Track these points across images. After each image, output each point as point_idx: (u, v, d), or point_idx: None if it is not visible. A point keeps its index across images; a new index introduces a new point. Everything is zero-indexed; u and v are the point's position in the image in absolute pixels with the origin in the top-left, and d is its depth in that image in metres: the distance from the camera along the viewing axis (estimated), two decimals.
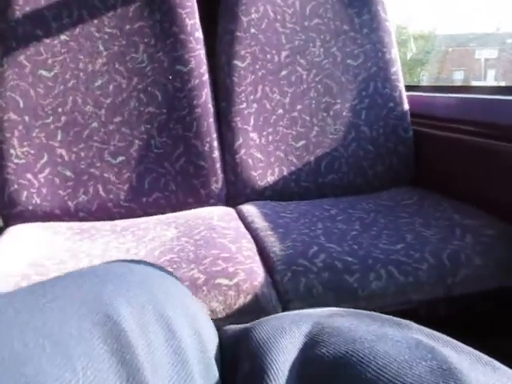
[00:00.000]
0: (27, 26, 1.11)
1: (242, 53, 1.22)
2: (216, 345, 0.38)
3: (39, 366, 0.26)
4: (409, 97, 1.32)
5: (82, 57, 1.13)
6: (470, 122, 1.13)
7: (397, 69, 1.30)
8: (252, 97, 1.22)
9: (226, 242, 0.90)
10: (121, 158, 1.14)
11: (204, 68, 1.18)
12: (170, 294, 0.36)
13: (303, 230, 0.96)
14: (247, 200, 1.20)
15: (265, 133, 1.23)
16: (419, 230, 0.95)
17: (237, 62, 1.21)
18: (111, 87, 1.14)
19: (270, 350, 0.33)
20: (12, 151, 1.09)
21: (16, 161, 1.09)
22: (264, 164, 1.23)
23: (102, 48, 1.14)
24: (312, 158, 1.25)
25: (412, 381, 0.26)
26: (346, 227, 0.98)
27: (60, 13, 1.12)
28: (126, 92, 1.15)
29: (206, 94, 1.17)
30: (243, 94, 1.21)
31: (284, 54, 1.25)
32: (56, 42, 1.12)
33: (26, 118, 1.10)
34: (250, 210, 1.11)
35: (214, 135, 1.18)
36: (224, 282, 0.76)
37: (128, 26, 1.15)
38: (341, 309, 0.41)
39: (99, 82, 1.14)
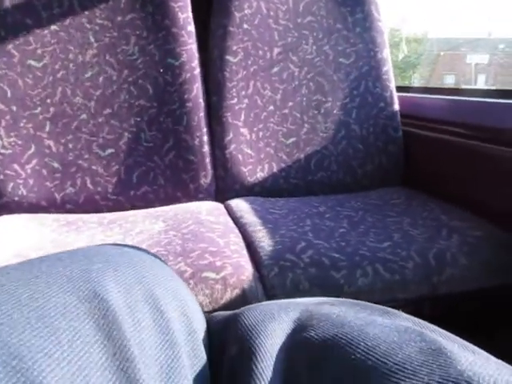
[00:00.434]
0: (17, 15, 1.09)
1: (234, 48, 1.21)
2: (204, 328, 0.38)
3: (23, 336, 0.25)
4: (399, 97, 1.32)
5: (72, 48, 1.12)
6: (459, 123, 1.14)
7: (388, 68, 1.30)
8: (243, 92, 1.22)
9: (214, 236, 0.90)
10: (110, 151, 1.13)
11: (196, 62, 1.17)
12: (160, 276, 0.36)
13: (291, 226, 0.96)
14: (236, 195, 1.20)
15: (255, 129, 1.23)
16: (406, 229, 0.95)
17: (229, 57, 1.21)
18: (101, 79, 1.13)
19: (259, 333, 0.33)
20: None
21: (2, 151, 1.08)
22: (254, 160, 1.23)
23: (92, 39, 1.13)
24: (302, 156, 1.25)
25: (401, 360, 0.26)
26: (334, 224, 0.99)
27: (50, 2, 1.11)
28: (116, 84, 1.14)
29: (197, 89, 1.17)
30: (234, 90, 1.21)
31: (276, 50, 1.25)
32: (46, 32, 1.11)
33: (14, 108, 1.09)
34: (238, 205, 1.11)
35: (205, 130, 1.17)
36: (211, 275, 0.76)
37: (119, 18, 1.14)
38: (330, 298, 0.41)
39: (89, 74, 1.13)
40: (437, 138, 1.20)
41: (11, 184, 1.08)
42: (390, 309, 0.36)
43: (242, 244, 0.90)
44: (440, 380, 0.24)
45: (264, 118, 1.24)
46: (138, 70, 1.15)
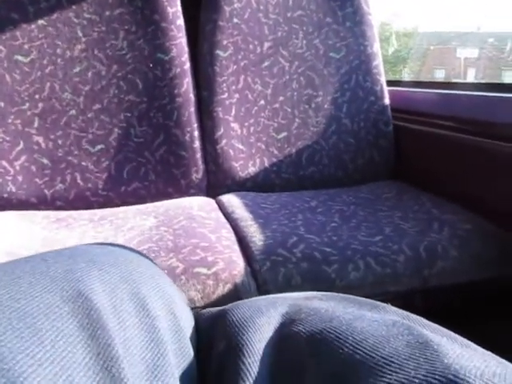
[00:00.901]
0: (2, 10, 1.08)
1: (224, 42, 1.21)
2: (192, 326, 0.38)
3: (4, 337, 0.25)
4: (390, 91, 1.33)
5: (59, 42, 1.11)
6: (449, 117, 1.14)
7: (378, 63, 1.30)
8: (234, 87, 1.22)
9: (206, 231, 0.90)
10: (99, 147, 1.12)
11: (185, 57, 1.17)
12: (146, 275, 0.36)
13: (283, 221, 0.96)
14: (228, 191, 1.20)
15: (246, 123, 1.23)
16: (398, 223, 0.95)
17: (219, 52, 1.20)
18: (90, 74, 1.12)
19: (246, 329, 0.33)
20: None
21: None
22: (245, 155, 1.22)
23: (80, 34, 1.12)
24: (293, 150, 1.25)
25: (388, 354, 0.26)
26: (325, 219, 0.99)
27: None
28: (105, 79, 1.13)
29: (187, 83, 1.16)
30: (225, 84, 1.21)
31: (266, 44, 1.24)
32: (33, 26, 1.09)
33: (2, 104, 1.07)
34: (230, 200, 1.11)
35: (195, 125, 1.17)
36: (203, 270, 0.75)
37: (108, 13, 1.13)
38: (319, 292, 0.40)
39: (78, 69, 1.12)
40: (427, 131, 1.20)
41: (0, 181, 1.07)
42: (379, 303, 0.36)
43: (233, 239, 0.89)
44: (426, 374, 0.24)
45: (255, 112, 1.24)
46: (128, 65, 1.14)
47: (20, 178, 1.08)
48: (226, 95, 1.21)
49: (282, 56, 1.25)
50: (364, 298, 0.37)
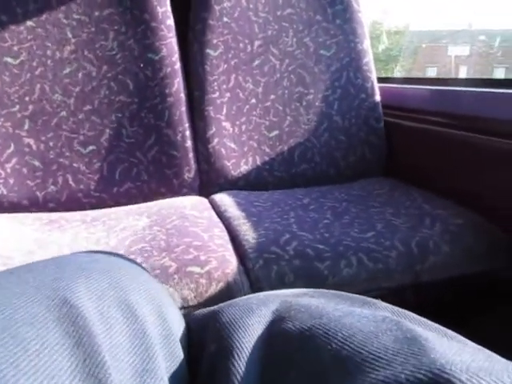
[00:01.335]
0: None
1: (215, 41, 1.21)
2: (182, 329, 0.38)
3: None
4: (381, 88, 1.33)
5: (49, 44, 1.10)
6: (440, 113, 1.15)
7: (369, 60, 1.31)
8: (225, 86, 1.22)
9: (199, 230, 0.90)
10: (91, 148, 1.12)
11: (176, 56, 1.16)
12: (135, 281, 0.36)
13: (276, 219, 0.96)
14: (220, 190, 1.20)
15: (238, 122, 1.23)
16: (389, 219, 0.96)
17: (209, 51, 1.20)
18: (80, 75, 1.12)
19: (237, 330, 0.33)
20: None
21: None
22: (237, 154, 1.22)
23: (70, 35, 1.11)
24: (285, 148, 1.25)
25: (376, 349, 0.26)
26: (318, 216, 0.99)
27: None
28: (95, 80, 1.13)
29: (178, 83, 1.16)
30: (216, 83, 1.21)
31: (257, 43, 1.24)
32: (22, 28, 1.09)
33: None
34: (222, 199, 1.11)
35: (187, 124, 1.17)
36: (196, 269, 0.75)
37: (97, 13, 1.13)
38: (310, 289, 0.41)
39: (68, 70, 1.11)
40: (418, 127, 1.21)
41: None
42: (370, 299, 0.36)
43: (226, 238, 0.89)
44: (413, 369, 0.24)
45: (246, 111, 1.24)
46: (118, 66, 1.13)
47: (11, 181, 1.08)
48: (217, 94, 1.21)
49: (273, 54, 1.26)
50: (355, 295, 0.37)
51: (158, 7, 1.14)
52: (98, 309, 0.31)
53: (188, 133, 1.17)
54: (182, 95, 1.17)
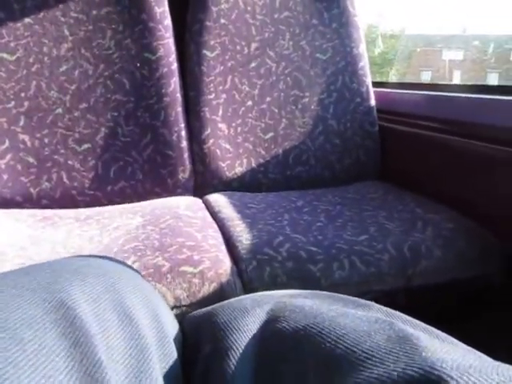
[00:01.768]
0: None
1: (212, 43, 1.21)
2: (176, 331, 0.38)
3: None
4: (375, 93, 1.34)
5: (46, 41, 1.10)
6: (433, 118, 1.16)
7: (364, 64, 1.32)
8: (221, 87, 1.22)
9: (192, 230, 0.90)
10: (86, 146, 1.12)
11: (173, 57, 1.17)
12: (130, 285, 0.37)
13: (269, 221, 0.97)
14: (215, 190, 1.20)
15: (233, 124, 1.23)
16: (382, 223, 0.97)
17: (206, 52, 1.21)
18: (77, 73, 1.12)
19: (232, 331, 0.34)
20: None
21: None
22: (232, 155, 1.23)
23: (67, 33, 1.11)
24: (280, 151, 1.26)
25: (369, 348, 0.27)
26: (311, 218, 1.00)
27: None
28: (92, 78, 1.12)
29: (174, 83, 1.16)
30: (212, 84, 1.21)
31: (254, 45, 1.25)
32: (19, 24, 1.09)
33: None
34: (217, 199, 1.11)
35: (182, 125, 1.17)
36: (189, 269, 0.76)
37: (95, 12, 1.13)
38: (304, 290, 0.41)
39: (64, 68, 1.11)
40: (412, 132, 1.22)
41: None
42: (363, 301, 0.36)
43: (220, 238, 0.90)
44: (405, 367, 0.25)
45: (242, 113, 1.24)
46: (115, 65, 1.13)
47: (5, 177, 1.07)
48: (213, 95, 1.21)
49: (269, 57, 1.26)
50: (349, 296, 0.38)
51: (156, 7, 1.15)
52: (94, 311, 0.31)
53: (183, 133, 1.17)
54: (178, 95, 1.17)
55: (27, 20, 1.09)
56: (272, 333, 0.32)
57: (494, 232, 0.92)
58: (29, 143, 1.09)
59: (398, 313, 0.34)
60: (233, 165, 1.22)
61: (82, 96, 1.12)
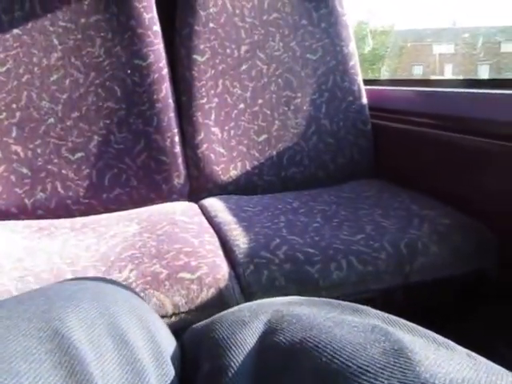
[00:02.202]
0: None
1: (202, 47, 1.21)
2: (173, 350, 0.38)
3: None
4: (367, 90, 1.34)
5: (35, 51, 1.10)
6: (425, 114, 1.16)
7: (355, 62, 1.32)
8: (212, 91, 1.22)
9: (189, 236, 0.90)
10: (79, 154, 1.12)
11: (163, 62, 1.17)
12: (124, 307, 0.37)
13: (266, 223, 0.97)
14: (210, 195, 1.20)
15: (226, 127, 1.23)
16: (378, 221, 0.97)
17: (196, 57, 1.21)
18: (67, 82, 1.11)
19: (230, 347, 0.34)
20: None
21: None
22: (226, 158, 1.23)
23: (56, 42, 1.11)
24: (274, 152, 1.26)
25: (364, 363, 0.27)
26: (307, 219, 1.00)
27: (11, 6, 1.08)
28: (83, 87, 1.12)
29: (165, 89, 1.16)
30: (204, 89, 1.21)
31: (244, 48, 1.25)
32: (8, 36, 1.08)
33: None
34: (212, 204, 1.11)
35: (175, 130, 1.17)
36: (186, 276, 0.76)
37: (83, 20, 1.12)
38: (302, 297, 0.41)
39: (55, 77, 1.11)
40: (405, 129, 1.22)
41: None
42: (360, 306, 0.36)
43: (216, 243, 0.90)
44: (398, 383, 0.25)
45: (235, 116, 1.24)
46: (105, 72, 1.13)
47: None
48: (205, 100, 1.21)
49: (260, 59, 1.26)
50: (346, 302, 0.38)
51: (145, 13, 1.14)
52: (88, 338, 0.32)
53: (177, 138, 1.17)
54: (170, 101, 1.17)
55: (16, 31, 1.09)
56: (269, 347, 0.32)
57: (490, 226, 0.92)
58: (22, 154, 1.09)
59: (394, 317, 0.34)
60: (227, 168, 1.22)
61: (73, 105, 1.12)
